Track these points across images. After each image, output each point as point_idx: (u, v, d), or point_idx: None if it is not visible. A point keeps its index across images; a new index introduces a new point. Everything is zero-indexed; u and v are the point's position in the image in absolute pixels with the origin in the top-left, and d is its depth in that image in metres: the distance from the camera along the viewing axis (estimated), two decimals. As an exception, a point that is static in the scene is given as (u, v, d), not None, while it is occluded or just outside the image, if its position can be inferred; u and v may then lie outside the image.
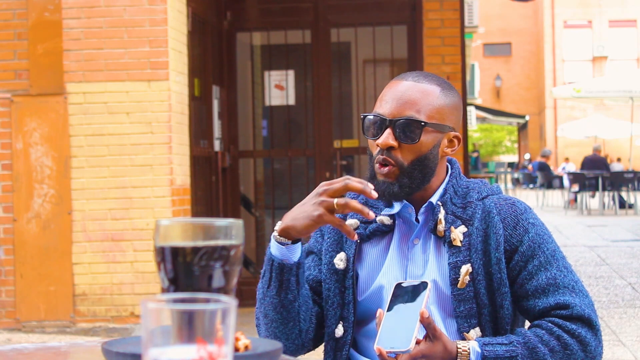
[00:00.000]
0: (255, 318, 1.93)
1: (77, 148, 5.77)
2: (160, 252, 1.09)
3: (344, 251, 1.94)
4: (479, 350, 1.73)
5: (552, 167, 25.44)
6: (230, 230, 1.10)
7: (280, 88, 7.48)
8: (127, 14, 5.74)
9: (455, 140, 1.93)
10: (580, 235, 12.37)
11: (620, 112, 28.44)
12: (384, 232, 1.94)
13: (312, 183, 7.33)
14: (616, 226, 13.88)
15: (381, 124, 1.87)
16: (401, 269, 1.90)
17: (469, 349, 1.73)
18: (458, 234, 1.86)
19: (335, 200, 1.70)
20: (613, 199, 17.87)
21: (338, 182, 1.72)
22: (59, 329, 5.84)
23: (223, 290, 1.09)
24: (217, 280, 1.08)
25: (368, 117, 1.90)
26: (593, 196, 18.78)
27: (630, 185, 17.27)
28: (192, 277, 1.08)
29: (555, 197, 22.32)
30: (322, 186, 1.74)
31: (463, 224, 1.87)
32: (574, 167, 26.86)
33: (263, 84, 7.66)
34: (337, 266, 1.93)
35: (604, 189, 17.26)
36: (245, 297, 6.81)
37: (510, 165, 36.95)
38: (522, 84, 40.88)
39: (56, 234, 5.84)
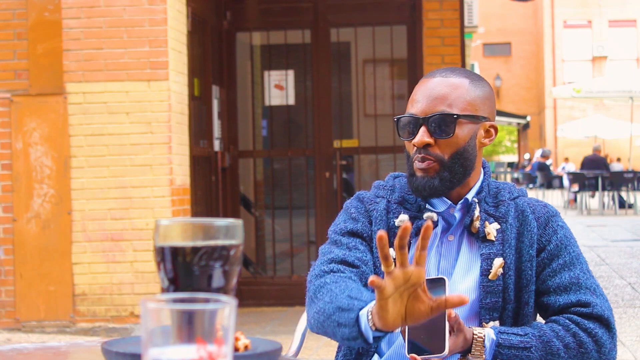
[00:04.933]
0: (312, 286, 1.86)
1: (76, 148, 5.77)
2: (160, 252, 1.09)
3: (392, 247, 1.92)
4: (494, 337, 1.75)
5: (551, 167, 25.44)
6: (230, 230, 1.10)
7: (280, 88, 7.48)
8: (126, 14, 5.74)
9: (492, 130, 1.96)
10: (580, 235, 12.37)
11: (620, 112, 28.43)
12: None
13: (312, 183, 7.33)
14: (616, 226, 13.89)
15: (415, 124, 1.88)
16: (435, 265, 1.91)
17: (484, 335, 1.74)
18: (492, 229, 1.88)
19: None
20: (613, 199, 17.87)
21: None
22: (59, 329, 5.84)
23: (223, 290, 1.09)
24: (217, 280, 1.08)
25: (402, 118, 1.90)
26: (593, 196, 18.77)
27: (630, 185, 17.27)
28: (192, 277, 1.08)
29: (555, 197, 22.31)
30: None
31: (496, 221, 1.89)
32: (573, 167, 26.85)
33: (263, 84, 7.66)
34: None
35: (603, 189, 17.26)
36: (245, 297, 6.81)
37: (510, 165, 36.95)
38: (522, 84, 40.86)
39: (56, 234, 5.84)
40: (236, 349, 1.24)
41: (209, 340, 0.82)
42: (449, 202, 1.91)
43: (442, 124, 1.85)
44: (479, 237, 1.88)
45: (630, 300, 7.07)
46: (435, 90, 1.87)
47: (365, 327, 1.66)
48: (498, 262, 1.84)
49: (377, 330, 1.64)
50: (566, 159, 30.59)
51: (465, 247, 1.90)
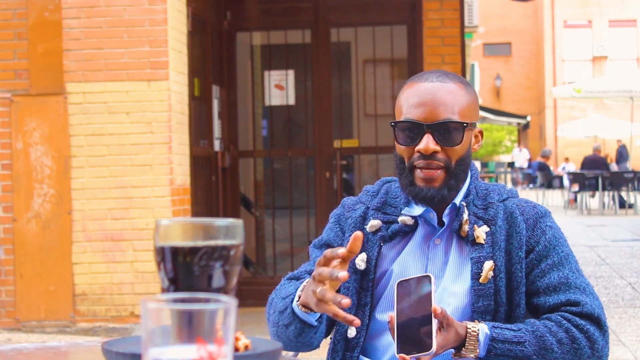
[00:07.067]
0: (266, 312, 1.93)
1: (77, 148, 5.77)
2: (160, 252, 1.09)
3: (366, 252, 1.92)
4: (488, 332, 1.75)
5: (552, 167, 25.43)
6: (230, 230, 1.10)
7: (280, 88, 7.48)
8: (127, 13, 5.74)
9: (479, 135, 1.96)
10: (580, 235, 12.36)
11: (620, 112, 28.41)
12: (405, 232, 1.93)
13: (312, 183, 7.33)
14: (616, 226, 13.88)
15: (417, 130, 1.85)
16: (421, 269, 1.90)
17: (477, 330, 1.74)
18: (481, 232, 1.87)
19: (318, 290, 1.64)
20: (613, 198, 17.86)
21: (325, 272, 1.63)
22: (59, 329, 5.84)
23: (223, 290, 1.09)
24: (217, 280, 1.08)
25: (400, 124, 1.87)
26: (593, 196, 18.76)
27: (630, 185, 17.26)
28: (192, 277, 1.08)
29: (555, 197, 22.31)
30: (317, 269, 1.66)
31: (485, 224, 1.89)
32: (574, 167, 26.83)
33: (263, 84, 7.65)
34: (358, 267, 1.92)
35: (604, 189, 17.26)
36: (245, 297, 6.80)
37: (510, 165, 36.94)
38: (522, 84, 40.86)
39: (56, 234, 5.84)
40: (236, 349, 1.24)
41: (209, 340, 0.82)
42: (426, 206, 1.90)
43: (450, 132, 1.84)
44: (469, 241, 1.88)
45: (631, 300, 7.07)
46: (437, 96, 1.85)
47: (300, 312, 1.76)
48: (488, 265, 1.84)
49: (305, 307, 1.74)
50: (566, 159, 30.58)
51: (455, 251, 1.90)
